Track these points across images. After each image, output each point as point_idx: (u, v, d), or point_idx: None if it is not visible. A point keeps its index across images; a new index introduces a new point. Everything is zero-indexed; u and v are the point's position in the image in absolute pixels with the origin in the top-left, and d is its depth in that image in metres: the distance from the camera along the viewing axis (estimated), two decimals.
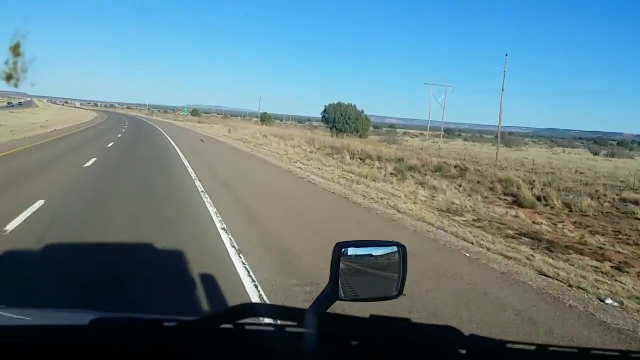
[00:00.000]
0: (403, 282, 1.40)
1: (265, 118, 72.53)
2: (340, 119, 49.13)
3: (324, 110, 51.26)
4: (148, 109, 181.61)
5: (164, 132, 36.94)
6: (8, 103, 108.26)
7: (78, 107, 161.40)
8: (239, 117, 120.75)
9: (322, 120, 53.15)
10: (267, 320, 1.06)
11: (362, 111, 50.86)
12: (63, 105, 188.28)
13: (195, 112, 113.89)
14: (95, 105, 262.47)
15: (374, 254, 1.44)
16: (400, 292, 1.40)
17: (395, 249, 1.43)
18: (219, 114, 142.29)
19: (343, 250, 1.36)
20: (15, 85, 2.05)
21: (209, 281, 4.54)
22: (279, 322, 1.01)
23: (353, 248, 1.40)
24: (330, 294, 1.33)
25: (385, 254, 1.44)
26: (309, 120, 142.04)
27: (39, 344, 0.93)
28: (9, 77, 1.99)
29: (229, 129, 50.07)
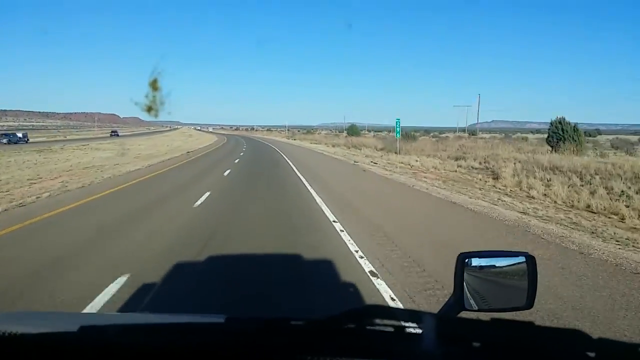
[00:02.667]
0: (534, 293, 1.35)
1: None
2: None
3: None
4: (288, 130, 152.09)
5: None
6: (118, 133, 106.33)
7: (211, 132, 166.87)
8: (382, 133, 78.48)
9: None
10: (388, 322, 1.02)
11: None
12: (200, 130, 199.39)
13: (353, 130, 75.75)
14: (237, 129, 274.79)
15: (499, 264, 1.39)
16: (530, 304, 1.35)
17: (522, 259, 1.38)
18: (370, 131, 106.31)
19: (467, 260, 1.35)
20: (155, 116, 2.27)
21: None
22: (399, 323, 0.99)
23: (477, 259, 1.37)
24: (455, 305, 1.33)
25: (511, 265, 1.39)
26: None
27: (176, 341, 0.95)
28: (149, 109, 2.22)
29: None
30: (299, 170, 20.47)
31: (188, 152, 36.93)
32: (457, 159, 26.45)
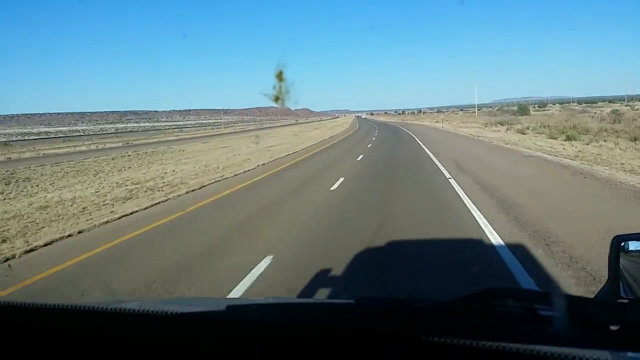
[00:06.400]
0: None
1: None
2: None
3: None
4: (459, 111, 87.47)
5: None
6: None
7: (365, 117, 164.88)
8: None
9: None
10: (517, 303, 0.99)
11: None
12: (358, 117, 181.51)
13: None
14: (403, 113, 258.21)
15: None
16: None
17: None
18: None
19: (623, 244, 1.22)
20: (281, 105, 2.46)
21: None
22: (529, 305, 0.96)
23: (635, 242, 1.23)
24: (609, 293, 1.22)
25: None
26: None
27: (310, 319, 1.04)
28: (276, 99, 2.40)
29: None
30: None
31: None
32: None
